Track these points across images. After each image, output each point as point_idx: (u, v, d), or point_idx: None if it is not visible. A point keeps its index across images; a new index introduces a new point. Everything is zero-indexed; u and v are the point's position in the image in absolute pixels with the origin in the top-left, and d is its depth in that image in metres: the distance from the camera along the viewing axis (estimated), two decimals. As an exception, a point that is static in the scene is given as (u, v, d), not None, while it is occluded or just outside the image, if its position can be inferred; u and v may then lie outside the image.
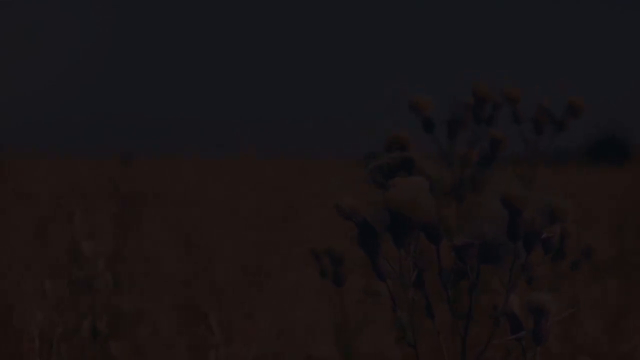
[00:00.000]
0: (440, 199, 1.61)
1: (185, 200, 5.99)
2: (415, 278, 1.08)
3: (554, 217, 1.10)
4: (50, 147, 8.34)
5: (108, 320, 1.86)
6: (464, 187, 1.72)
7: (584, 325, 2.84)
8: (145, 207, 5.29)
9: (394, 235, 1.06)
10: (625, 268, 3.76)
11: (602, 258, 3.80)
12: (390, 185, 1.07)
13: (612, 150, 12.50)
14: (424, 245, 1.09)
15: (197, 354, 2.52)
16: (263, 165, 7.73)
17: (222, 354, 1.93)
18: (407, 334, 1.10)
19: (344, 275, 1.71)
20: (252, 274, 3.29)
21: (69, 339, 1.81)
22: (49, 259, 3.38)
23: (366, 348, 2.41)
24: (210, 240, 4.30)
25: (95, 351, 1.84)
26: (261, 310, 2.94)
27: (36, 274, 3.18)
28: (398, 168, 1.68)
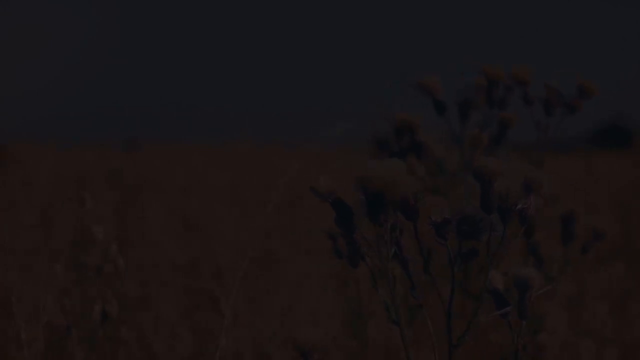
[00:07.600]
0: (438, 179, 1.59)
1: (188, 186, 5.98)
2: (394, 253, 1.10)
3: (529, 189, 1.10)
4: (58, 137, 8.37)
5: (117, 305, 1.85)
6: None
7: (590, 309, 2.84)
8: (148, 194, 5.28)
9: (370, 213, 1.07)
10: (631, 252, 3.75)
11: (607, 243, 3.79)
12: (366, 166, 1.10)
13: (615, 137, 12.49)
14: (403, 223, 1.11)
15: (200, 338, 2.51)
16: (266, 153, 7.73)
17: (231, 337, 1.93)
18: (390, 311, 1.11)
19: (359, 257, 1.69)
20: (257, 259, 3.28)
21: (79, 323, 1.80)
22: (55, 245, 3.37)
23: (374, 333, 2.39)
24: (212, 226, 4.29)
25: (104, 335, 1.82)
26: (266, 295, 2.93)
27: (42, 259, 3.17)
28: (406, 149, 1.66)
